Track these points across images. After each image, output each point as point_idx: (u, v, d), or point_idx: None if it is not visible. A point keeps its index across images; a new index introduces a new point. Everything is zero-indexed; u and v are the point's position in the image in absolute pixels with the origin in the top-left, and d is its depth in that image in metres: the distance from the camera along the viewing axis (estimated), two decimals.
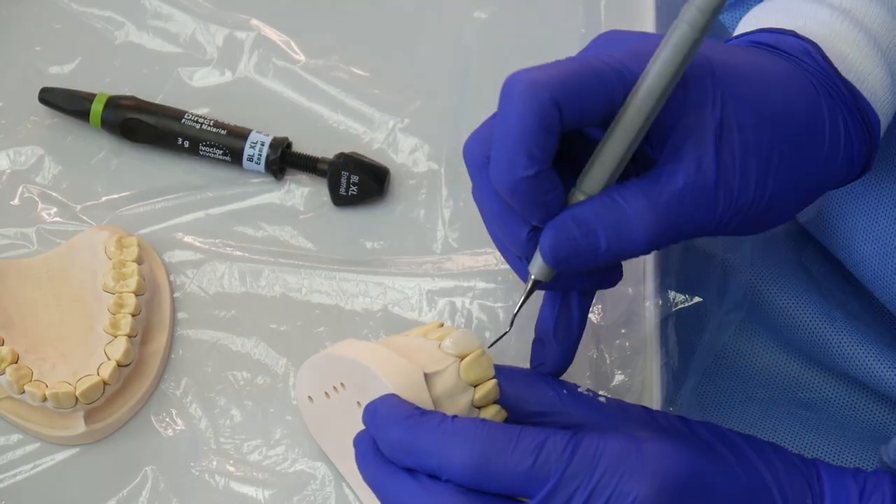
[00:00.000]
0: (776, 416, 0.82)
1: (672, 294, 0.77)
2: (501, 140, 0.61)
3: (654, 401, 0.74)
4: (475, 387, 0.64)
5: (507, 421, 0.65)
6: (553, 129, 0.60)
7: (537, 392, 0.65)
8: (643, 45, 0.62)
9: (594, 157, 0.62)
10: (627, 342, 0.76)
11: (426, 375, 0.63)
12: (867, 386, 0.81)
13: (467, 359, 0.64)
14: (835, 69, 0.67)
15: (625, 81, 0.61)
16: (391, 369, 0.63)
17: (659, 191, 0.61)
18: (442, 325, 0.69)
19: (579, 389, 0.66)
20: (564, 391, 0.65)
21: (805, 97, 0.65)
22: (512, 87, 0.60)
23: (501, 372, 0.65)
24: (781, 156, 0.63)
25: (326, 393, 0.68)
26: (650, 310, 0.77)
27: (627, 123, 0.61)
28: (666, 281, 0.78)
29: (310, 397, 0.70)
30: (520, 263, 0.67)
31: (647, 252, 0.62)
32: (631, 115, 0.60)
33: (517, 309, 0.67)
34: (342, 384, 0.67)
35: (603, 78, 0.60)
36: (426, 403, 0.63)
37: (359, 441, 0.63)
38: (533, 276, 0.65)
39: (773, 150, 0.62)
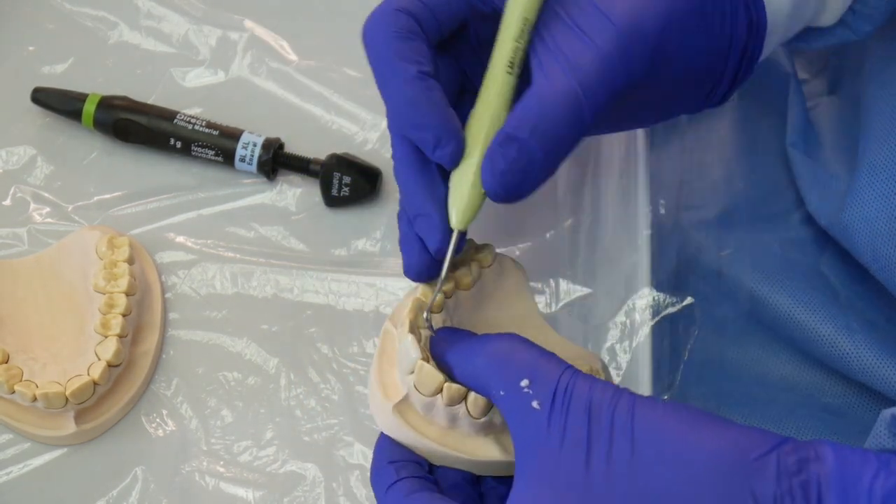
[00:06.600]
0: (800, 417, 0.81)
1: (664, 296, 0.77)
2: (374, 64, 0.64)
3: None
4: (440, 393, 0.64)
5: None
6: (411, 33, 0.63)
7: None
8: None
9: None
10: (619, 343, 0.76)
11: (395, 407, 0.65)
12: (888, 398, 0.80)
13: (412, 376, 0.64)
14: None
15: None
16: (380, 416, 0.66)
17: (539, 91, 0.62)
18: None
19: None
20: None
21: None
22: (367, 21, 0.64)
23: (449, 338, 0.65)
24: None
25: None
26: (641, 311, 0.77)
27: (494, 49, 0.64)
28: (658, 282, 0.78)
29: None
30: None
31: (586, 132, 0.63)
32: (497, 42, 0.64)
33: (446, 263, 0.65)
34: None
35: None
36: (408, 434, 0.64)
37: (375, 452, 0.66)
38: (456, 230, 0.64)
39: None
